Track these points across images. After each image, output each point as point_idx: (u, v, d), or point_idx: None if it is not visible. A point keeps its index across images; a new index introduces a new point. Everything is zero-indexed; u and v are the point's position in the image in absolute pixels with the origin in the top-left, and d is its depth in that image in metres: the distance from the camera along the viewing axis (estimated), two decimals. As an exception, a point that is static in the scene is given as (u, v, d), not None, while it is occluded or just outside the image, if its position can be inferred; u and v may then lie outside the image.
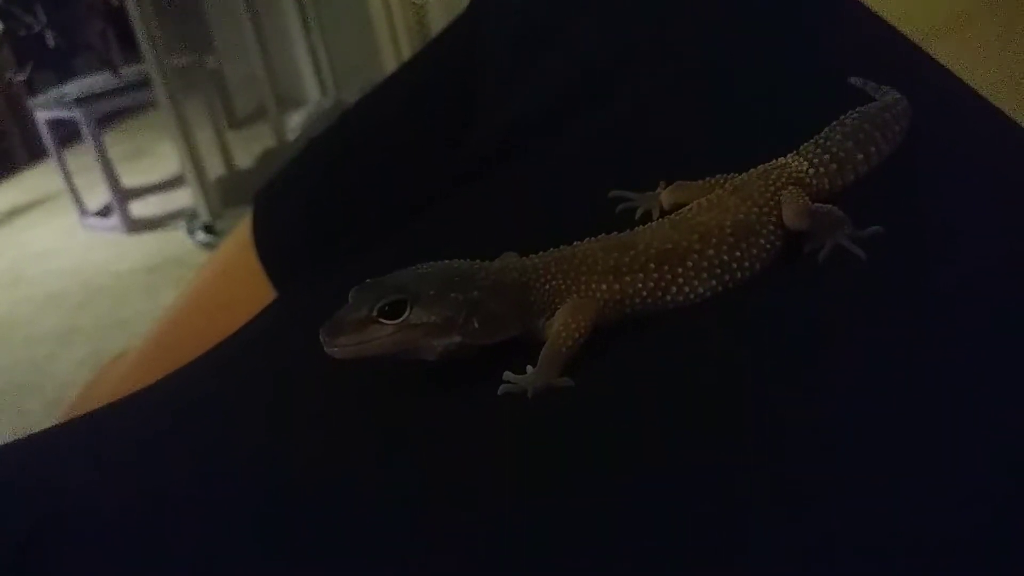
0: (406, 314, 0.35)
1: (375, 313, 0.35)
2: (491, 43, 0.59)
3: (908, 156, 0.42)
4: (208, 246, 2.75)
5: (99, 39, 3.62)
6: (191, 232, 2.85)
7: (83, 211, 3.20)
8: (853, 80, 0.45)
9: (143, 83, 2.94)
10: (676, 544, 0.28)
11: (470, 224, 0.50)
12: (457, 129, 0.57)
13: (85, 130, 2.95)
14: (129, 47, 3.12)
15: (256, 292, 0.56)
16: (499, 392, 0.35)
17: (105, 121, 3.23)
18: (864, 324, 0.35)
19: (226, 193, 2.90)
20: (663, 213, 0.43)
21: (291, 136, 3.20)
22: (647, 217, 0.44)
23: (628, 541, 0.28)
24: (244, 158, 3.20)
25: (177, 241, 2.88)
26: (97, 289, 2.68)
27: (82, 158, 3.16)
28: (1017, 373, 0.31)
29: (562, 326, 0.36)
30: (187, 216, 2.94)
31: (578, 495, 0.31)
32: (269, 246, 0.60)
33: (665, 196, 0.44)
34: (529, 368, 0.36)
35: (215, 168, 3.02)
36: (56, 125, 3.13)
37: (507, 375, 0.36)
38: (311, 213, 0.61)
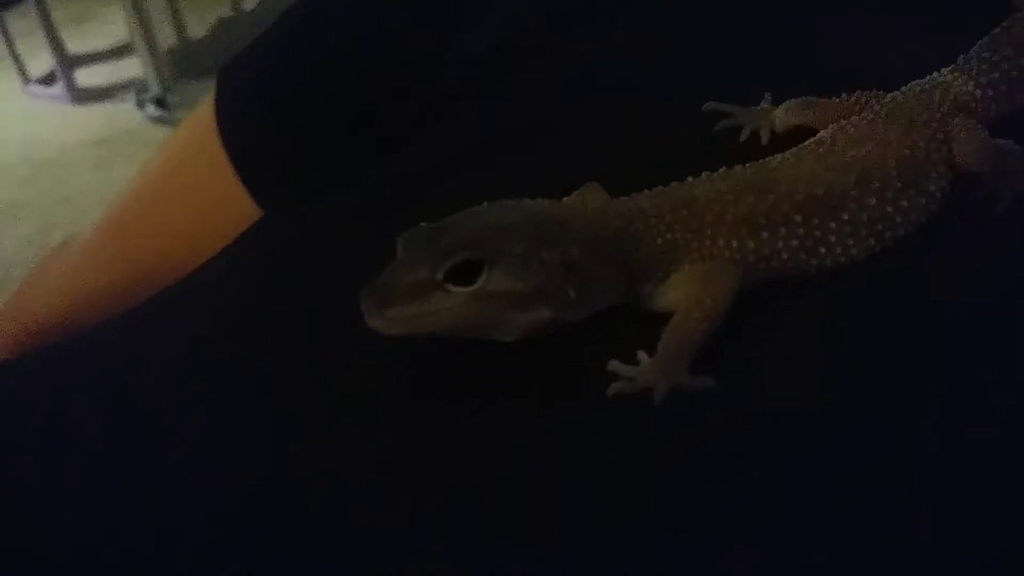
0: (482, 278, 0.27)
1: (441, 276, 0.27)
2: None
3: None
4: (159, 120, 2.63)
5: None
6: (141, 105, 2.72)
7: (26, 78, 3.05)
8: None
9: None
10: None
11: (485, 139, 0.42)
12: (452, 27, 0.49)
13: (26, -10, 2.77)
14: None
15: (217, 181, 0.49)
16: (610, 393, 0.27)
17: (48, -19, 3.06)
18: None
19: (178, 64, 2.75)
20: (774, 137, 0.36)
21: (248, 5, 3.05)
22: (753, 141, 0.36)
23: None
24: (198, 28, 3.04)
25: (126, 113, 2.74)
26: (42, 162, 2.56)
27: (23, 20, 2.97)
28: None
29: (694, 302, 0.28)
30: (137, 87, 2.80)
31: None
32: (235, 132, 0.51)
33: (782, 115, 0.36)
34: (642, 356, 0.28)
35: (166, 37, 2.87)
36: (-6, -16, 2.95)
37: (614, 365, 0.28)
38: (285, 96, 0.51)
